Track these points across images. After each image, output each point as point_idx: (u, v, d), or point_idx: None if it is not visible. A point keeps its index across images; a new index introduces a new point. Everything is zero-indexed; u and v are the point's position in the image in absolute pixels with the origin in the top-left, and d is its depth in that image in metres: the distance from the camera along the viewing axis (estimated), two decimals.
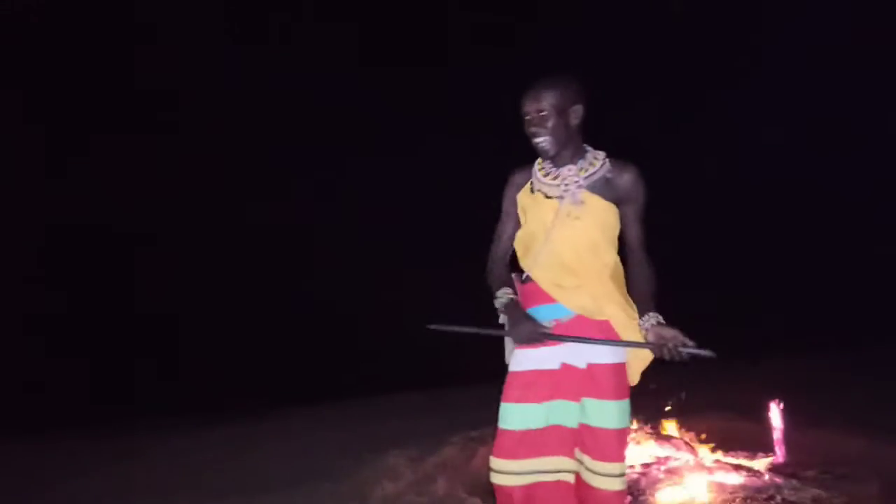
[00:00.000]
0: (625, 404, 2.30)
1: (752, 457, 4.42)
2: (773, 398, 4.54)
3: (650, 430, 4.61)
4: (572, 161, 2.34)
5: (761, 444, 4.53)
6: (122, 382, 8.66)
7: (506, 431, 2.34)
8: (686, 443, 4.45)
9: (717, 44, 11.74)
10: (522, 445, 2.31)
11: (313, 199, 10.37)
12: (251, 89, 10.84)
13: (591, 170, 2.32)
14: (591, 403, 2.27)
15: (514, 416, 2.35)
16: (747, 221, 11.78)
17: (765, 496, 3.89)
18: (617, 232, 2.37)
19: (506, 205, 2.46)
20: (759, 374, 6.74)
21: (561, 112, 2.27)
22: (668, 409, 4.87)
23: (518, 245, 2.44)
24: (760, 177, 11.88)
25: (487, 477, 4.48)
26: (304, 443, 5.23)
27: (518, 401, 2.36)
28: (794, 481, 4.03)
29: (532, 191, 2.38)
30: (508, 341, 2.38)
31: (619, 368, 2.31)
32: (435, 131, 10.81)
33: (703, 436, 4.66)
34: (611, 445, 2.25)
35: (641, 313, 2.26)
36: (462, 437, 4.97)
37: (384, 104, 10.80)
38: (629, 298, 2.35)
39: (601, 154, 2.37)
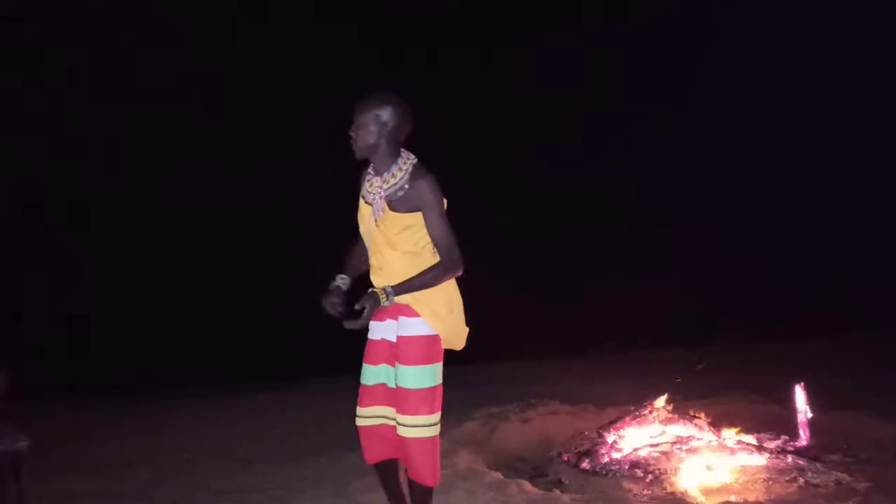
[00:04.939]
0: (425, 369, 2.73)
1: (776, 439, 4.40)
2: (797, 380, 4.50)
3: (672, 410, 4.59)
4: (383, 171, 2.75)
5: (785, 427, 4.51)
6: (149, 350, 8.80)
7: (361, 385, 2.88)
8: (709, 423, 4.43)
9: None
10: (365, 395, 2.84)
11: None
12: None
13: (392, 181, 2.71)
14: (399, 367, 2.75)
15: (363, 373, 2.87)
16: (772, 199, 11.62)
17: (787, 478, 3.87)
18: (416, 232, 2.72)
19: None
20: (785, 356, 6.68)
21: (370, 124, 2.70)
22: (678, 380, 4.85)
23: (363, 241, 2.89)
24: (792, 161, 11.69)
25: (510, 452, 4.55)
26: (327, 413, 5.30)
27: (364, 361, 2.88)
28: (817, 464, 4.00)
29: (361, 195, 2.83)
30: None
31: (421, 340, 2.73)
32: None
33: (727, 416, 4.64)
34: (409, 402, 2.71)
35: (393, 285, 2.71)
36: (484, 413, 5.01)
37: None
38: (437, 286, 2.73)
39: (408, 164, 2.73)
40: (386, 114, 2.70)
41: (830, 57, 11.35)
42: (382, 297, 2.66)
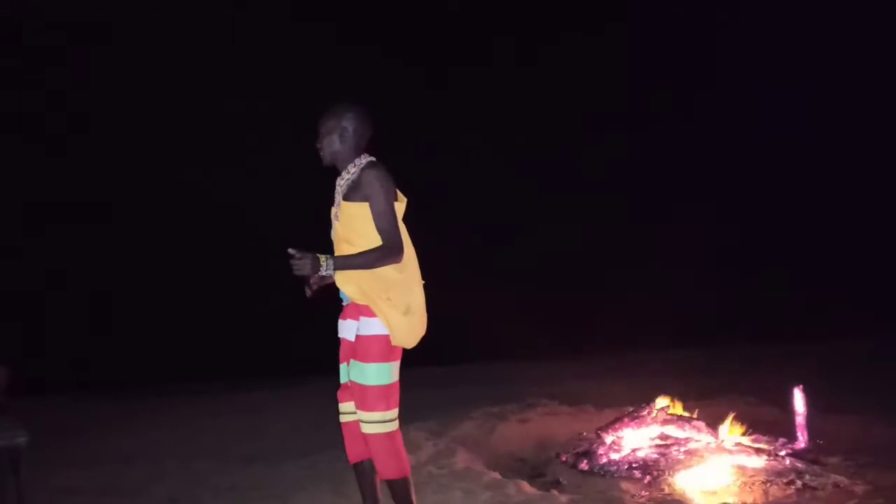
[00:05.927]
0: (382, 367, 2.83)
1: (774, 441, 4.39)
2: (796, 383, 4.50)
3: (670, 412, 4.59)
4: (342, 173, 2.90)
5: (784, 429, 4.50)
6: (149, 346, 8.81)
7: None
8: (707, 425, 4.43)
9: None
10: (343, 393, 2.99)
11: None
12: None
13: (347, 177, 2.87)
14: (354, 364, 2.87)
15: (340, 371, 3.00)
16: (775, 201, 11.61)
17: (785, 480, 3.87)
18: (367, 225, 2.81)
19: None
20: (784, 358, 6.69)
21: (333, 132, 2.88)
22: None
23: None
24: (788, 159, 11.67)
25: (508, 452, 4.55)
26: (325, 411, 5.29)
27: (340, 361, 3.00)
28: (815, 467, 3.99)
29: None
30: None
31: (378, 340, 2.83)
32: None
33: (725, 418, 4.62)
34: (366, 398, 2.82)
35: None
36: (482, 413, 5.01)
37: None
38: (391, 284, 2.83)
39: (362, 162, 2.87)
40: (346, 120, 2.89)
41: (832, 61, 11.35)
42: (322, 260, 2.74)
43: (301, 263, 2.71)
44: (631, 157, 11.80)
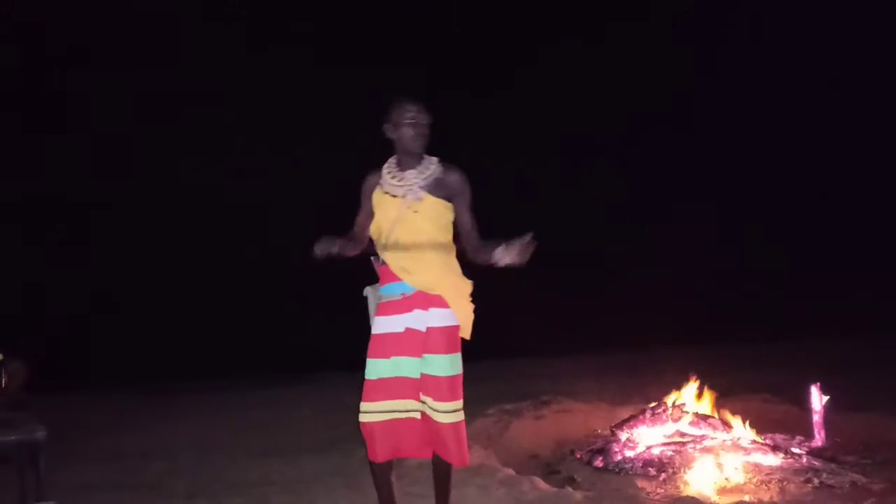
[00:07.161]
0: (455, 357, 2.92)
1: (791, 439, 4.37)
2: (813, 380, 4.47)
3: (686, 409, 4.57)
4: (414, 166, 3.01)
5: (801, 427, 4.48)
6: (167, 343, 8.87)
7: (366, 381, 2.95)
8: (723, 422, 4.41)
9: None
10: (378, 390, 2.91)
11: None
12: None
13: (427, 173, 3.00)
14: (429, 357, 2.89)
15: (371, 368, 2.95)
16: (790, 201, 11.54)
17: (802, 479, 3.85)
18: (448, 221, 3.00)
19: (362, 199, 3.14)
20: (801, 356, 6.64)
21: (429, 127, 3.03)
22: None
23: (373, 234, 3.08)
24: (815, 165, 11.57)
25: (522, 449, 4.55)
26: (341, 407, 5.32)
27: (373, 357, 2.96)
28: (832, 465, 3.97)
29: (382, 191, 3.04)
30: (371, 306, 3.10)
31: (451, 330, 2.94)
32: None
33: (741, 416, 4.60)
34: (443, 388, 2.86)
35: (493, 250, 2.86)
36: (497, 410, 5.02)
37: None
38: (461, 275, 3.00)
39: (434, 160, 3.04)
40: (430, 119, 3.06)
41: (834, 61, 11.27)
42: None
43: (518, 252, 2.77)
44: (635, 158, 11.76)
